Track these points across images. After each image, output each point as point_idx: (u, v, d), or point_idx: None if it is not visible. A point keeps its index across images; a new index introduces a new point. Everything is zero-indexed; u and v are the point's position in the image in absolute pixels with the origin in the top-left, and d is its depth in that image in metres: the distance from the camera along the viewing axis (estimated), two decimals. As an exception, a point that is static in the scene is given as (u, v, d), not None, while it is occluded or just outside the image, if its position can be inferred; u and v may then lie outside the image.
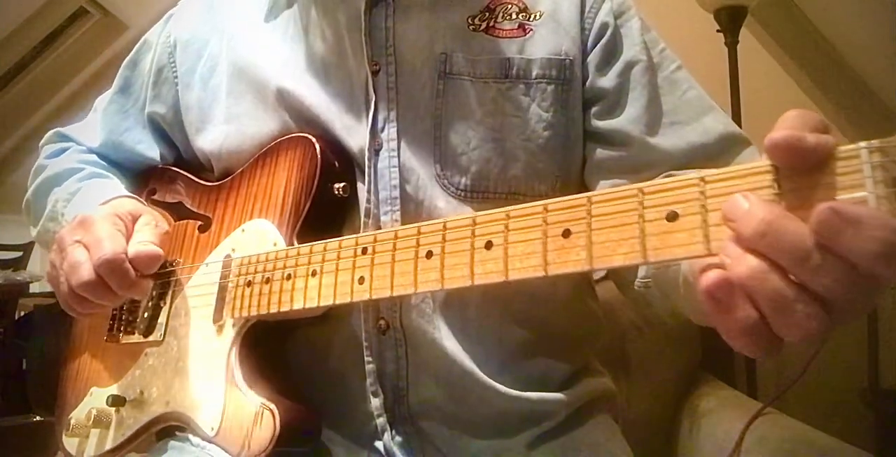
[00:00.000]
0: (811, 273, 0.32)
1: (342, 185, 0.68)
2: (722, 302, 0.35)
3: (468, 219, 0.47)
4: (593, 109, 0.72)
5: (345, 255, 0.56)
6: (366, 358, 0.67)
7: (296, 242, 0.65)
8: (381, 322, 0.67)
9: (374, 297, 0.53)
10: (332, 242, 0.58)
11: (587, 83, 0.72)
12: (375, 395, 0.66)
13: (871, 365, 1.78)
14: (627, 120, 0.70)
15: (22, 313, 3.27)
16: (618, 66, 0.71)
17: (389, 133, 0.69)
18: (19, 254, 4.04)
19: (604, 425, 0.75)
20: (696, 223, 0.37)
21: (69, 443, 0.78)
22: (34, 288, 3.52)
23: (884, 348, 1.77)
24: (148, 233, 0.66)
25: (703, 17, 1.82)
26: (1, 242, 3.96)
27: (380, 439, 0.67)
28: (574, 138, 0.72)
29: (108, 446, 0.74)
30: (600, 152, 0.71)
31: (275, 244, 0.66)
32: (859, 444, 0.85)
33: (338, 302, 0.56)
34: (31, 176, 0.86)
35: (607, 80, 0.71)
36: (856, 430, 1.68)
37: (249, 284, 0.64)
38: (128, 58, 0.89)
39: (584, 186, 0.74)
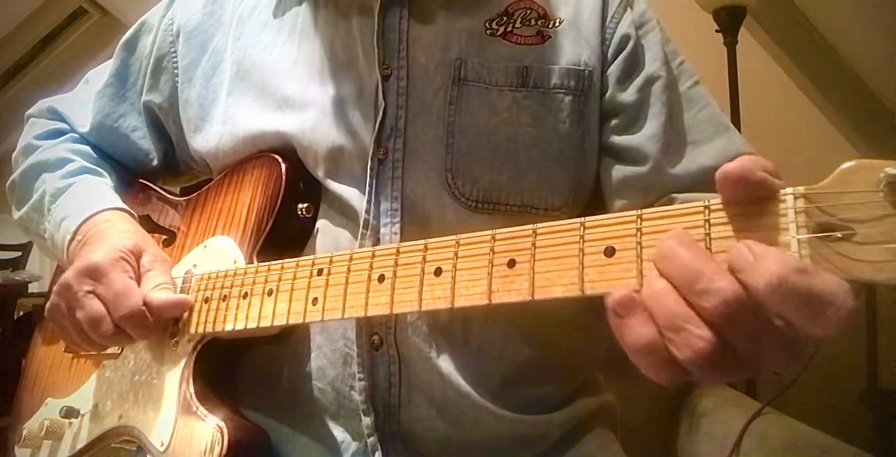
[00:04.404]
0: (698, 296, 0.35)
1: (305, 205, 0.68)
2: (623, 318, 0.38)
3: (420, 244, 0.48)
4: (611, 123, 0.70)
5: (301, 275, 0.56)
6: (357, 375, 0.64)
7: (255, 261, 0.64)
8: (375, 337, 0.64)
9: (325, 318, 0.53)
10: (290, 262, 0.58)
11: (606, 96, 0.70)
12: (366, 413, 0.63)
13: (871, 365, 1.78)
14: (645, 137, 0.69)
15: (21, 313, 3.27)
16: (638, 81, 0.70)
17: (396, 142, 0.66)
18: (18, 254, 4.05)
19: (598, 438, 0.73)
20: (631, 258, 0.39)
21: (21, 454, 0.77)
22: (33, 288, 3.52)
23: (883, 349, 1.77)
24: (160, 275, 0.66)
25: (703, 17, 1.82)
26: (0, 242, 3.96)
27: None
28: (589, 151, 0.70)
29: None
30: (614, 168, 0.70)
31: (235, 262, 0.66)
32: (859, 444, 0.85)
33: (291, 323, 0.56)
34: (20, 152, 0.84)
35: (627, 95, 0.70)
36: (855, 430, 1.68)
37: (207, 300, 0.64)
38: (124, 38, 0.85)
39: (596, 200, 0.72)
